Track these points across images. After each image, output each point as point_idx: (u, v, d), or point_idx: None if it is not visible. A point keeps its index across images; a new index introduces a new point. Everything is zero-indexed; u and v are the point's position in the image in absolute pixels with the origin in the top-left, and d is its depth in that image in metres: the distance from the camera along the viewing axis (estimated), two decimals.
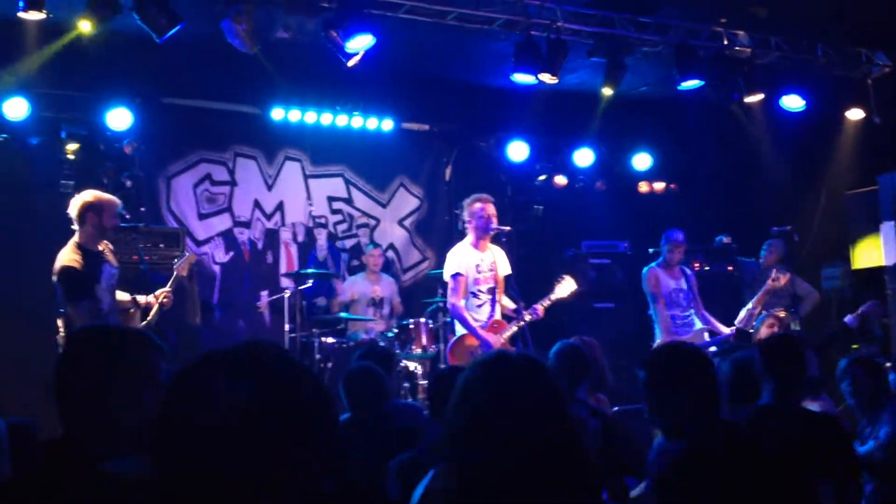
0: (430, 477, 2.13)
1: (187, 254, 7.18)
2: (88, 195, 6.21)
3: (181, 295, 7.92)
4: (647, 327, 8.77)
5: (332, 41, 7.53)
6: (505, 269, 7.51)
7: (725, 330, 8.07)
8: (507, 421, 1.80)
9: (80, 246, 6.04)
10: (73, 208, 6.13)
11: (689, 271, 8.46)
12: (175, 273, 6.68)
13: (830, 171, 10.28)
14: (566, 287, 7.49)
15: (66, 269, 5.92)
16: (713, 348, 7.98)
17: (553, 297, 7.42)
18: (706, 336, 8.14)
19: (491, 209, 7.42)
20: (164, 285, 6.60)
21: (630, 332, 9.55)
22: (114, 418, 2.27)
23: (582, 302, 10.24)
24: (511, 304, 7.51)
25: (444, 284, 7.61)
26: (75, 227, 6.12)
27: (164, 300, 6.39)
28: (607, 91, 8.70)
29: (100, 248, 6.18)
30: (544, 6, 8.19)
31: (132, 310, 6.41)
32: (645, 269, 8.36)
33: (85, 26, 6.82)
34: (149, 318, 6.27)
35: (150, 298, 6.41)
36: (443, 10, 7.97)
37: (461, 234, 7.83)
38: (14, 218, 7.99)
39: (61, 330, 5.97)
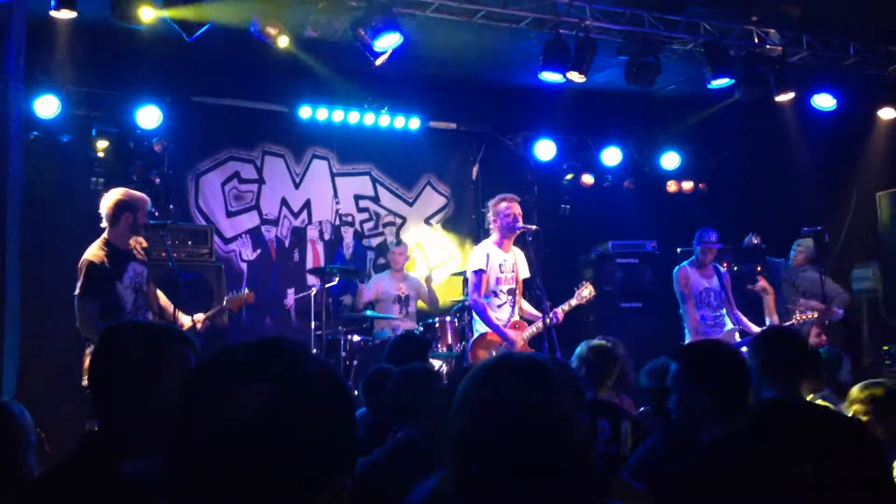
0: (431, 480, 2.08)
1: (245, 291, 7.09)
2: (121, 193, 6.16)
3: (209, 295, 7.97)
4: (674, 327, 8.71)
5: (361, 40, 7.54)
6: (524, 272, 7.48)
7: (757, 330, 8.00)
8: (504, 428, 1.70)
9: (108, 242, 6.02)
10: (105, 206, 6.08)
11: (722, 270, 8.36)
12: (224, 305, 6.66)
13: (862, 171, 10.15)
14: (586, 293, 7.45)
15: (87, 264, 5.91)
16: (744, 349, 7.88)
17: (573, 302, 7.38)
18: (737, 336, 8.06)
19: (517, 208, 7.38)
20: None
21: (657, 333, 9.48)
22: (147, 413, 2.28)
23: (609, 301, 10.21)
24: (529, 308, 7.48)
25: (468, 281, 7.60)
26: (105, 224, 6.09)
27: (199, 325, 6.40)
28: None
29: (130, 245, 6.18)
30: (573, 4, 8.15)
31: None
32: (676, 268, 8.28)
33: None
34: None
35: (187, 321, 6.36)
36: (471, 9, 7.94)
37: (488, 233, 7.81)
38: (45, 215, 8.05)
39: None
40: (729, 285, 8.26)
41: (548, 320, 6.92)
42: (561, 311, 7.26)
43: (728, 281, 8.28)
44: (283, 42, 7.48)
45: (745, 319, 8.16)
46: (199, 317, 6.43)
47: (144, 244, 6.33)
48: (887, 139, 9.82)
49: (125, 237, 6.10)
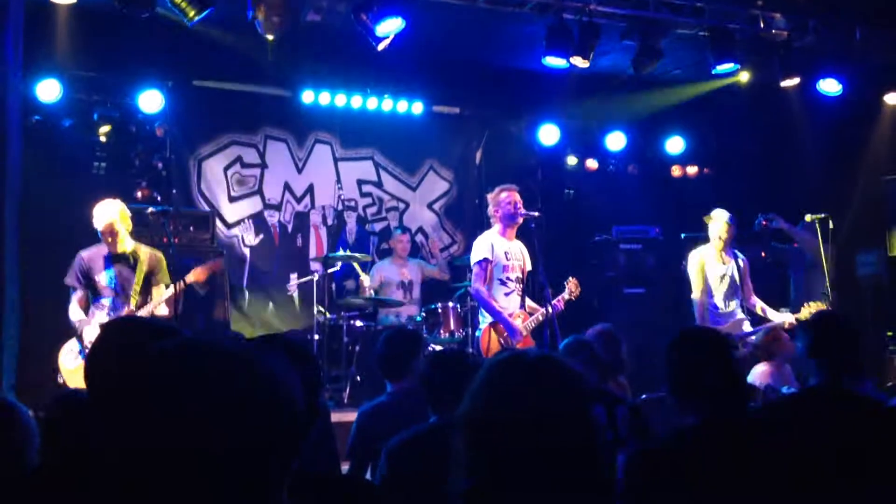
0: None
1: (216, 260, 7.31)
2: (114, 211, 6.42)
3: (211, 281, 7.89)
4: (678, 313, 8.65)
5: (363, 24, 7.48)
6: (528, 264, 7.39)
7: (776, 317, 7.59)
8: (518, 425, 1.77)
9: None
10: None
11: (741, 256, 7.92)
12: (186, 280, 6.65)
13: (868, 156, 10.08)
14: (572, 287, 7.34)
15: (76, 255, 6.48)
16: (753, 338, 7.55)
17: (565, 296, 7.28)
18: (747, 326, 7.78)
19: (516, 197, 7.25)
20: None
21: (661, 318, 9.46)
22: None
23: (612, 287, 10.19)
24: (528, 301, 7.36)
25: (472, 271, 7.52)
26: None
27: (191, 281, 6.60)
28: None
29: (126, 251, 6.35)
30: None
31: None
32: (693, 252, 7.93)
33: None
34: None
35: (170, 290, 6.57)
36: None
37: (489, 220, 7.73)
38: (47, 199, 8.03)
39: None
40: (748, 272, 7.87)
41: (550, 309, 6.87)
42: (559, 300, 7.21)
43: (747, 268, 7.89)
44: (272, 34, 7.38)
45: (764, 305, 7.78)
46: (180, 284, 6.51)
47: (155, 255, 6.56)
48: (893, 125, 9.75)
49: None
